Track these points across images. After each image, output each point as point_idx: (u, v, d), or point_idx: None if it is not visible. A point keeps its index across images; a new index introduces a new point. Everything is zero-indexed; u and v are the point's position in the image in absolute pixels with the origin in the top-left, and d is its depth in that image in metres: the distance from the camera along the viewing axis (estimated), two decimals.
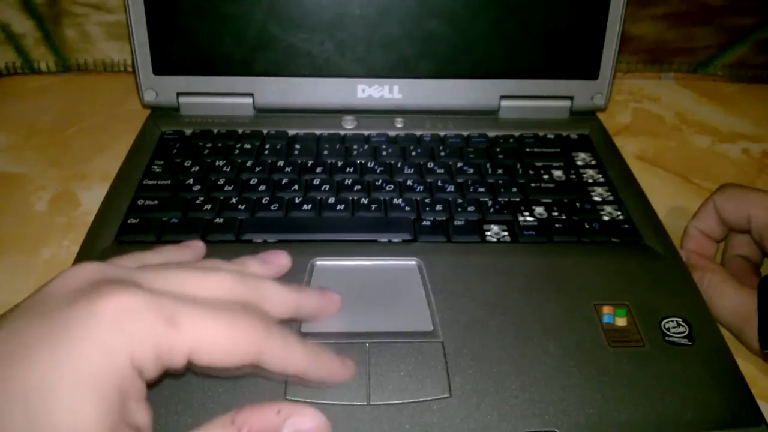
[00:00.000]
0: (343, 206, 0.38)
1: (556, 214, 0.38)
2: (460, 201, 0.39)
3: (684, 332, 0.31)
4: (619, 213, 0.39)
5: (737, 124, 0.55)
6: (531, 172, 0.42)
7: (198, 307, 0.22)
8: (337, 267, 0.34)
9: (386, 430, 0.26)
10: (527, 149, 0.44)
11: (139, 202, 0.38)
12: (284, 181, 0.40)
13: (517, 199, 0.40)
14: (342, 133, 0.45)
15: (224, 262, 0.28)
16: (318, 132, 0.45)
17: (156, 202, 0.38)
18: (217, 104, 0.46)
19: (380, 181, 0.40)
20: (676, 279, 0.34)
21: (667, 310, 0.32)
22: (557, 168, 0.43)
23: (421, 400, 0.27)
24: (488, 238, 0.36)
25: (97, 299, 0.21)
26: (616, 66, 0.46)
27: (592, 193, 0.41)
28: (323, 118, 0.46)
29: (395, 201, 0.39)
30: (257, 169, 0.41)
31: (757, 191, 0.36)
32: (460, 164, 0.42)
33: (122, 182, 0.40)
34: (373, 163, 0.42)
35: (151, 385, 0.22)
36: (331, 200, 0.39)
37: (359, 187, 0.40)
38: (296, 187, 0.40)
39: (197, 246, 0.31)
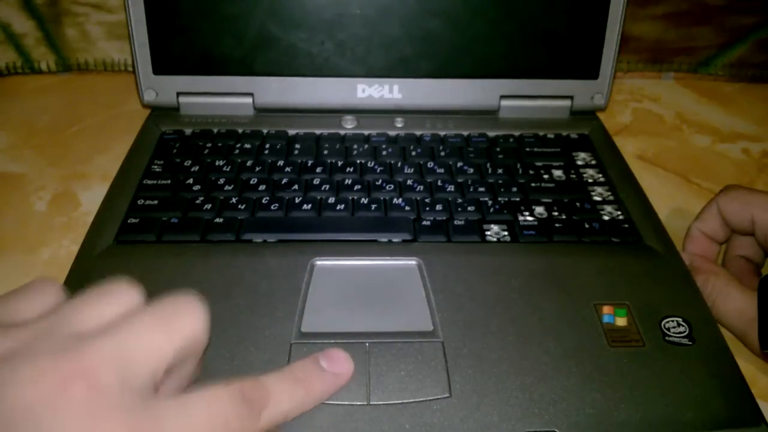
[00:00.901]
0: (343, 206, 0.38)
1: (556, 213, 0.38)
2: (460, 201, 0.39)
3: (684, 332, 0.31)
4: (619, 213, 0.39)
5: (737, 124, 0.55)
6: (531, 171, 0.42)
7: None
8: (337, 267, 0.34)
9: (386, 430, 0.26)
10: (527, 149, 0.44)
11: (139, 202, 0.38)
12: (284, 180, 0.40)
13: (517, 199, 0.40)
14: (342, 132, 0.45)
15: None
16: (318, 132, 0.45)
17: (156, 202, 0.38)
18: (217, 104, 0.46)
19: (380, 180, 0.40)
20: (676, 279, 0.34)
21: (667, 309, 0.32)
22: (557, 168, 0.43)
23: (421, 400, 0.27)
24: (488, 238, 0.36)
25: None
26: (616, 66, 0.46)
27: (592, 193, 0.41)
28: (323, 117, 0.46)
29: (395, 201, 0.39)
30: (257, 168, 0.41)
31: (762, 193, 0.36)
32: (460, 164, 0.42)
33: (122, 182, 0.40)
34: (373, 163, 0.42)
35: None
36: (331, 200, 0.39)
37: (359, 186, 0.40)
38: (296, 186, 0.40)
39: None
